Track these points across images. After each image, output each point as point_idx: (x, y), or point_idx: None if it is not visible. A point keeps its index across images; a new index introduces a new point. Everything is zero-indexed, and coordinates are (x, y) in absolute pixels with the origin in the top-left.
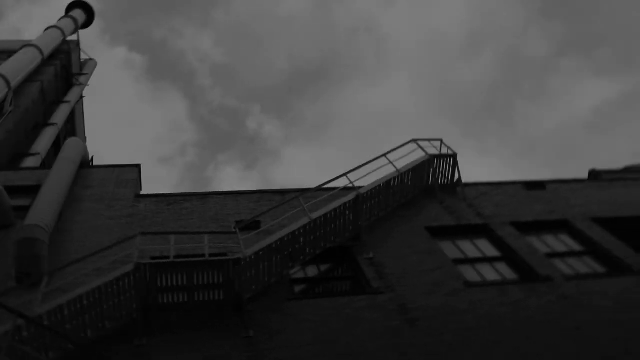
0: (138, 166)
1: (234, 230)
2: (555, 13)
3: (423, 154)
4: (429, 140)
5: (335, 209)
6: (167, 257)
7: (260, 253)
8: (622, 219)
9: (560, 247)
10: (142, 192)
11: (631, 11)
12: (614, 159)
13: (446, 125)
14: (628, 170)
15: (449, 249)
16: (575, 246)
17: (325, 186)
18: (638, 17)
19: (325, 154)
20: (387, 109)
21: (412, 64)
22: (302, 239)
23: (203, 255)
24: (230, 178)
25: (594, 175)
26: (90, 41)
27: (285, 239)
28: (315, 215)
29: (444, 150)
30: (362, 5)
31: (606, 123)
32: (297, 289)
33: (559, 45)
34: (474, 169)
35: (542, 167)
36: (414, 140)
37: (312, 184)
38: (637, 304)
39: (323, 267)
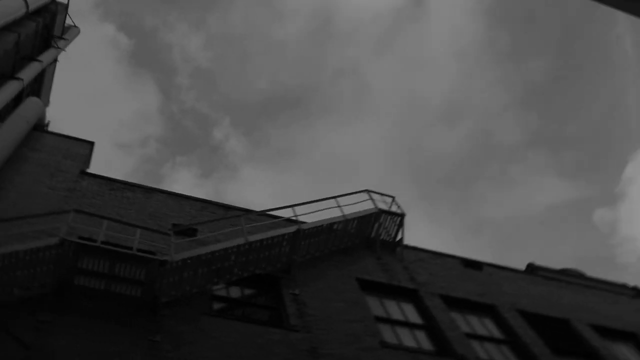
0: (92, 143)
1: (168, 231)
2: (534, 106)
3: (373, 206)
4: (382, 194)
5: (273, 237)
6: (95, 241)
7: (189, 261)
8: (547, 317)
9: (481, 330)
10: (88, 170)
11: (606, 120)
12: (555, 259)
13: (404, 184)
14: (564, 272)
15: (374, 305)
16: (496, 332)
17: (270, 212)
18: (610, 128)
19: (280, 182)
20: (353, 154)
21: (387, 118)
22: (233, 258)
23: (131, 248)
24: (184, 181)
25: (531, 269)
26: (80, 9)
27: (217, 253)
28: (252, 238)
29: (394, 208)
30: (354, 49)
31: (556, 223)
32: (216, 305)
33: (530, 137)
34: (419, 233)
35: (485, 248)
36: (367, 191)
37: (260, 207)
38: None
39: (247, 291)
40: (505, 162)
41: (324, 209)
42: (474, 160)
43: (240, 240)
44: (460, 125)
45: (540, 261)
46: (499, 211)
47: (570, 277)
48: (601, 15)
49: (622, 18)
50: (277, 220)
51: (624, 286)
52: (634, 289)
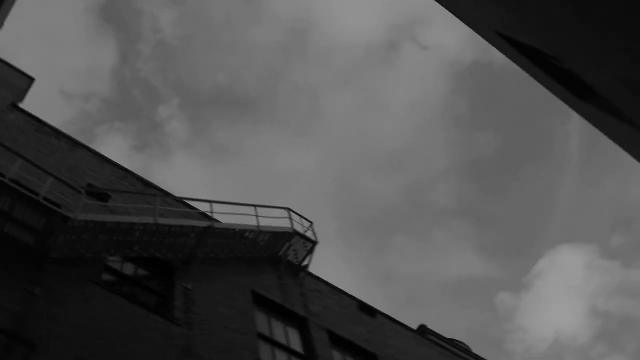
0: (32, 80)
1: (81, 189)
2: (473, 178)
3: (290, 226)
4: (302, 217)
5: (183, 226)
6: (4, 176)
7: (92, 224)
8: None
9: None
10: (20, 105)
11: (534, 211)
12: (448, 327)
13: (327, 216)
14: (452, 341)
15: (262, 322)
16: None
17: (188, 201)
18: (536, 220)
19: (209, 177)
20: (288, 171)
21: (330, 148)
22: (137, 235)
23: (38, 194)
24: (116, 147)
25: (422, 330)
26: None
27: (123, 226)
28: (162, 221)
29: (309, 234)
30: (319, 72)
31: (460, 293)
32: (106, 277)
33: (460, 206)
34: (326, 265)
35: (385, 299)
36: (289, 210)
37: (180, 195)
38: None
39: (140, 272)
40: (431, 224)
41: (241, 214)
42: (402, 212)
43: (149, 220)
44: (398, 175)
45: (433, 326)
46: (410, 268)
47: (456, 349)
48: (559, 109)
49: (576, 118)
50: (192, 211)
51: None
52: None
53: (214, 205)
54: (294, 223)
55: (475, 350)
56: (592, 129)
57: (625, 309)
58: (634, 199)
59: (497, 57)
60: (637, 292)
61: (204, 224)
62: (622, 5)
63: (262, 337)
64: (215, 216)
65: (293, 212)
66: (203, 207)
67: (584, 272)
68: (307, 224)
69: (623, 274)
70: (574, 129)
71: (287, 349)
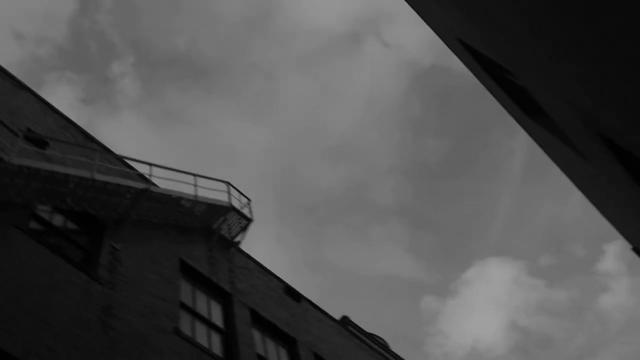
0: None
1: (19, 132)
2: (416, 180)
3: (227, 200)
4: (241, 193)
5: (119, 185)
6: None
7: (26, 170)
8: None
9: (273, 357)
10: None
11: (471, 220)
12: (370, 322)
13: (267, 196)
14: (371, 336)
15: (186, 291)
16: None
17: (127, 160)
18: (471, 228)
19: (155, 141)
20: (234, 146)
21: (280, 130)
22: (72, 187)
23: None
24: (62, 97)
25: (345, 321)
26: None
27: (57, 176)
28: (99, 176)
29: (246, 211)
30: (280, 52)
31: (387, 291)
32: (33, 225)
33: (400, 206)
34: (258, 245)
35: (313, 287)
36: (228, 184)
37: (122, 153)
38: None
39: (70, 225)
40: (368, 219)
41: (180, 181)
42: (341, 204)
43: (86, 174)
44: (342, 167)
45: (355, 318)
46: (341, 259)
47: (374, 343)
48: (508, 124)
49: (523, 135)
50: (131, 171)
51: None
52: None
53: (154, 168)
54: (232, 198)
55: (394, 347)
56: (537, 147)
57: (543, 327)
58: (567, 221)
59: (456, 64)
60: (557, 312)
61: (141, 185)
62: (576, 30)
63: (184, 306)
64: (154, 180)
65: (232, 186)
66: (142, 169)
67: (510, 286)
68: (245, 201)
69: (546, 293)
70: (519, 146)
71: (207, 322)
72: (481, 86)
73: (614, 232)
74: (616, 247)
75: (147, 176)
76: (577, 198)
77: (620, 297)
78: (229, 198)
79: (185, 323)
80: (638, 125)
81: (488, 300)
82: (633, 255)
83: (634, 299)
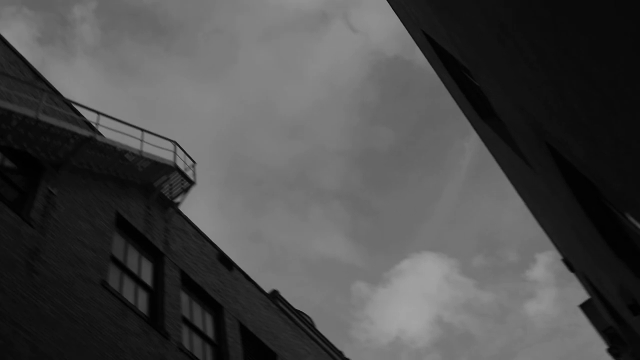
0: None
1: None
2: (363, 167)
3: (172, 159)
4: (187, 154)
5: (64, 129)
6: None
7: None
8: (260, 343)
9: (198, 322)
10: None
11: (411, 212)
12: (299, 300)
13: (214, 162)
14: (299, 313)
15: (118, 245)
16: (210, 331)
17: (75, 106)
18: (410, 221)
19: (106, 90)
20: (187, 108)
21: (234, 97)
22: (14, 124)
23: None
24: (18, 34)
25: (274, 295)
26: None
27: (0, 112)
28: (44, 118)
29: (190, 173)
30: (244, 20)
31: (320, 272)
32: None
33: (344, 189)
34: (198, 208)
35: (247, 258)
36: (176, 143)
37: (71, 98)
38: None
39: (7, 163)
40: (310, 198)
41: (126, 134)
42: (286, 180)
43: (31, 113)
44: (292, 143)
45: (285, 294)
46: (279, 234)
47: (301, 321)
48: (460, 123)
49: (474, 136)
50: (78, 117)
51: (340, 353)
52: None
53: (102, 117)
54: (178, 158)
55: (319, 327)
56: (486, 149)
57: (467, 326)
58: (504, 226)
59: (418, 58)
60: (482, 313)
61: (86, 133)
62: (537, 39)
63: (114, 260)
64: (100, 129)
65: (179, 147)
66: (90, 117)
67: (440, 282)
68: (190, 163)
69: (474, 293)
70: (470, 146)
71: (136, 279)
72: (440, 82)
73: (547, 242)
74: (548, 258)
75: (94, 124)
76: (517, 203)
77: (545, 305)
78: (174, 158)
79: (113, 277)
80: (582, 140)
81: (418, 293)
82: (563, 266)
83: (558, 309)
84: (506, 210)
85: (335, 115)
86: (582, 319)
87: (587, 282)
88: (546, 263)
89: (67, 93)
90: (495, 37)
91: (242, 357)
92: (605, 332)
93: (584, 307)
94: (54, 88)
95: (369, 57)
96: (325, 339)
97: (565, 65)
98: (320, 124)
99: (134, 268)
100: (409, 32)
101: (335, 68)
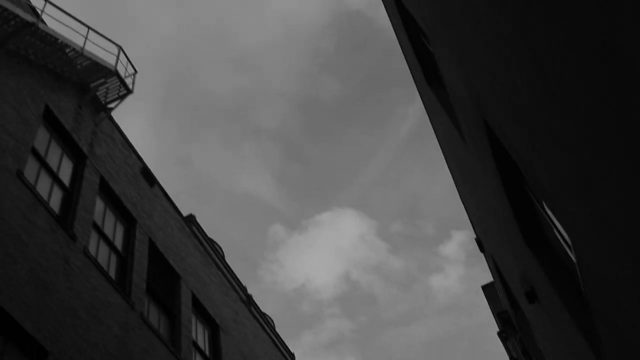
0: None
1: None
2: (302, 113)
3: (113, 63)
4: (130, 62)
5: (6, 9)
6: None
7: None
8: (167, 263)
9: (109, 230)
10: None
11: (347, 163)
12: (215, 230)
13: (155, 81)
14: (211, 241)
15: (41, 138)
16: (118, 242)
17: None
18: (340, 172)
19: None
20: (140, 16)
21: (190, 17)
22: None
23: None
24: None
25: (190, 219)
26: None
27: None
28: None
29: (129, 81)
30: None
31: (243, 209)
32: None
33: (279, 131)
34: (130, 120)
35: (172, 182)
36: (120, 48)
37: None
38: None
39: None
40: (246, 134)
41: (71, 29)
42: (224, 111)
43: None
44: (238, 75)
45: (201, 221)
46: (206, 164)
47: (212, 249)
48: (409, 88)
49: (419, 104)
50: (23, 0)
51: (244, 289)
52: (250, 299)
53: (49, 6)
54: (119, 64)
55: (229, 260)
56: (427, 120)
57: (372, 288)
58: (429, 198)
59: (380, 17)
60: (389, 278)
61: (29, 18)
62: (497, 17)
63: (35, 152)
64: (45, 18)
65: (124, 52)
66: (36, 2)
67: (356, 240)
68: (131, 71)
69: (386, 257)
70: (413, 113)
71: (54, 176)
72: (396, 45)
73: (466, 222)
74: (463, 236)
75: (39, 11)
76: (446, 179)
77: (450, 282)
78: (116, 63)
79: (30, 169)
80: (519, 125)
81: (332, 246)
82: (475, 247)
83: (462, 287)
84: (435, 183)
85: (286, 56)
86: (483, 300)
87: (493, 264)
88: (460, 241)
89: None
90: (460, 9)
91: (146, 273)
92: (500, 316)
93: (486, 288)
94: None
95: (332, 5)
96: (232, 272)
97: (519, 47)
98: (270, 63)
99: (53, 165)
100: None
101: (297, 9)
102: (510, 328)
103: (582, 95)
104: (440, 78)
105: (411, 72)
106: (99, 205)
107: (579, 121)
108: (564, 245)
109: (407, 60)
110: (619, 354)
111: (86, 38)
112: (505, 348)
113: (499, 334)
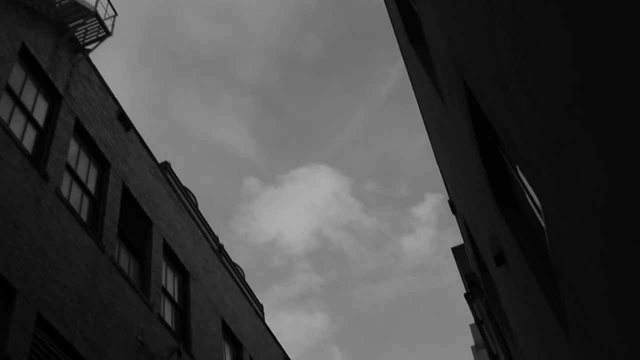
0: None
1: None
2: (286, 69)
3: (93, 4)
4: (111, 4)
5: None
6: None
7: None
8: (139, 207)
9: (82, 174)
10: None
11: (325, 119)
12: (194, 183)
13: (135, 28)
14: (185, 190)
15: (16, 76)
16: (92, 185)
17: None
18: (321, 128)
19: None
20: None
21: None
22: None
23: None
24: None
25: (164, 166)
26: None
27: None
28: None
29: (108, 23)
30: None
31: (222, 160)
32: None
33: (258, 82)
34: (108, 64)
35: (147, 130)
36: None
37: None
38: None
39: None
40: (225, 86)
41: None
42: (204, 62)
43: None
44: (220, 27)
45: (177, 169)
46: (183, 113)
47: (185, 198)
48: (391, 50)
49: (401, 66)
50: None
51: (216, 238)
52: (222, 249)
53: None
54: (100, 5)
55: (202, 209)
56: (408, 81)
57: (343, 245)
58: (405, 158)
59: None
60: (361, 236)
61: None
62: None
63: (9, 90)
64: None
65: None
66: None
67: (330, 197)
68: (111, 13)
69: (358, 216)
70: (394, 73)
71: (28, 115)
72: (381, 2)
73: (441, 185)
74: (436, 200)
75: None
76: (424, 141)
77: (420, 243)
78: (96, 3)
79: (4, 107)
80: (498, 87)
81: (305, 202)
82: (448, 211)
83: (432, 249)
84: (412, 144)
85: (269, 9)
86: (451, 263)
87: (464, 226)
88: (433, 204)
89: None
90: None
91: (118, 217)
92: (467, 278)
93: (456, 250)
94: None
95: None
96: (205, 221)
97: (502, 8)
98: (253, 16)
99: (28, 104)
100: None
101: None
102: (477, 290)
103: (562, 61)
104: (423, 38)
105: (394, 29)
106: (73, 147)
107: (557, 86)
108: (535, 211)
109: (390, 16)
110: (581, 321)
111: None
112: (471, 310)
113: (466, 295)
